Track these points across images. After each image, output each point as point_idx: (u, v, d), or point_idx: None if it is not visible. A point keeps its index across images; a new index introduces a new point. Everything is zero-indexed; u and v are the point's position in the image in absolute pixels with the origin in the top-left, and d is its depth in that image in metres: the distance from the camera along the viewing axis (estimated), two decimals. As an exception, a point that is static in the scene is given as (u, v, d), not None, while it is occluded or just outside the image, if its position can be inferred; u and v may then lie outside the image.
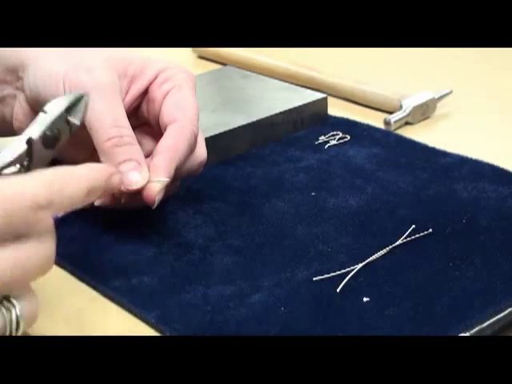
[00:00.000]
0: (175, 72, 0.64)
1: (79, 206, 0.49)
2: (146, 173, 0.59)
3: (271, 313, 0.54)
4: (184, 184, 0.70)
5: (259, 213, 0.66)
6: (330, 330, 0.52)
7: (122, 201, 0.60)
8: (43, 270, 0.46)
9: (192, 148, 0.62)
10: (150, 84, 0.63)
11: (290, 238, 0.62)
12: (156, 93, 0.63)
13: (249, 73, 0.88)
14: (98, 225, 0.65)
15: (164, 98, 0.63)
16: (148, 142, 0.64)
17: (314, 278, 0.57)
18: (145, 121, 0.65)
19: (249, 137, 0.76)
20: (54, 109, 0.54)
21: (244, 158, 0.75)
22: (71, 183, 0.48)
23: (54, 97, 0.57)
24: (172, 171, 0.59)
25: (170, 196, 0.64)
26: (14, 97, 0.65)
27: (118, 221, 0.65)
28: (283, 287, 0.56)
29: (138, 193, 0.59)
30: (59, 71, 0.60)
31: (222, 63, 0.98)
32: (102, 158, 0.60)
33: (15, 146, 0.51)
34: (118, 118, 0.60)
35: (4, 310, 0.46)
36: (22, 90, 0.64)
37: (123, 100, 0.62)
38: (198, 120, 0.62)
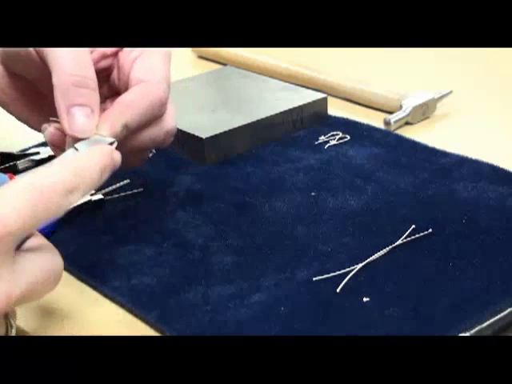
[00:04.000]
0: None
1: (96, 187, 0.52)
2: (94, 124, 0.56)
3: (271, 313, 0.54)
4: (184, 184, 0.70)
5: (259, 213, 0.66)
6: (330, 330, 0.52)
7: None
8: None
9: (155, 112, 0.59)
10: (119, 50, 0.62)
11: (289, 238, 0.62)
12: (125, 59, 0.61)
13: (249, 73, 0.88)
14: (98, 225, 0.65)
15: (133, 63, 0.61)
16: None
17: (314, 278, 0.57)
18: (116, 90, 0.62)
19: (249, 137, 0.76)
20: None
21: (244, 157, 0.75)
22: (88, 167, 0.51)
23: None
24: (118, 126, 0.56)
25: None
26: None
27: (118, 221, 0.65)
28: (283, 287, 0.56)
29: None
30: None
31: (222, 63, 0.98)
32: (57, 96, 0.56)
33: None
34: (84, 59, 0.57)
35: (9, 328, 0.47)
36: None
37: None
38: (167, 87, 0.60)
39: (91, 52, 0.60)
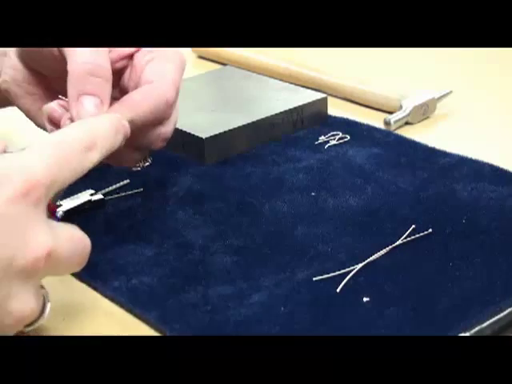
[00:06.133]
0: (165, 49, 0.63)
1: (112, 148, 0.53)
2: (102, 114, 0.57)
3: (271, 313, 0.54)
4: (184, 184, 0.70)
5: (259, 213, 0.66)
6: (330, 329, 0.52)
7: None
8: None
9: (160, 113, 0.59)
10: (136, 52, 0.62)
11: (289, 238, 0.62)
12: (141, 59, 0.62)
13: (249, 73, 0.88)
14: (98, 225, 0.65)
15: (147, 64, 0.61)
16: None
17: (314, 278, 0.57)
18: (126, 91, 0.63)
19: (249, 137, 0.76)
20: None
21: (244, 157, 0.75)
22: (101, 127, 0.52)
23: None
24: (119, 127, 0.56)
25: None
26: (4, 54, 0.65)
27: (118, 221, 0.65)
28: (283, 287, 0.56)
29: None
30: None
31: (222, 63, 0.98)
32: (69, 83, 0.57)
33: None
34: (101, 51, 0.58)
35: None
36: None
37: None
38: (175, 91, 0.60)
39: (109, 51, 0.61)
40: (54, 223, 0.48)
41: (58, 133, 0.51)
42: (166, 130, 0.61)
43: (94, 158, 0.50)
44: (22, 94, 0.66)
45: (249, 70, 0.90)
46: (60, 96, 0.62)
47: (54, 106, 0.59)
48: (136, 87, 0.61)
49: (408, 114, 0.81)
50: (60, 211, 0.65)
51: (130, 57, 0.63)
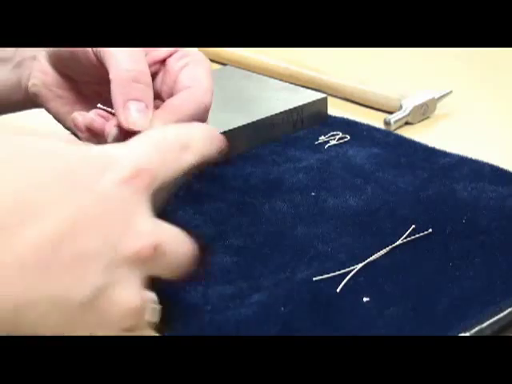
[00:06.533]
0: (192, 52, 0.64)
1: (208, 154, 0.52)
2: (149, 118, 0.58)
3: (271, 313, 0.54)
4: (184, 184, 0.70)
5: (259, 213, 0.66)
6: (330, 329, 0.52)
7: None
8: None
9: (199, 117, 0.61)
10: (169, 57, 0.64)
11: (289, 238, 0.62)
12: (174, 64, 0.63)
13: (249, 73, 0.88)
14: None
15: (181, 69, 0.63)
16: None
17: (314, 278, 0.57)
18: (157, 95, 0.64)
19: (249, 137, 0.76)
20: None
21: (244, 157, 0.75)
22: (197, 132, 0.52)
23: None
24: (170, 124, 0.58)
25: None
26: (34, 58, 0.66)
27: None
28: (283, 287, 0.56)
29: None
30: None
31: (222, 63, 0.98)
32: (114, 91, 0.58)
33: None
34: (140, 57, 0.59)
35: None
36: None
37: None
38: (211, 96, 0.62)
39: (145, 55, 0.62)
40: (158, 220, 0.47)
41: (155, 130, 0.51)
42: None
43: (189, 159, 0.50)
44: (52, 98, 0.67)
45: (249, 70, 0.90)
46: (98, 105, 0.63)
47: (92, 117, 0.61)
48: (170, 91, 0.63)
49: (408, 114, 0.81)
50: None
51: (163, 61, 0.64)
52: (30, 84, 0.67)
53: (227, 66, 0.92)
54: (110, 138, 0.59)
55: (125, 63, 0.58)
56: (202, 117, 0.61)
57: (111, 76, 0.58)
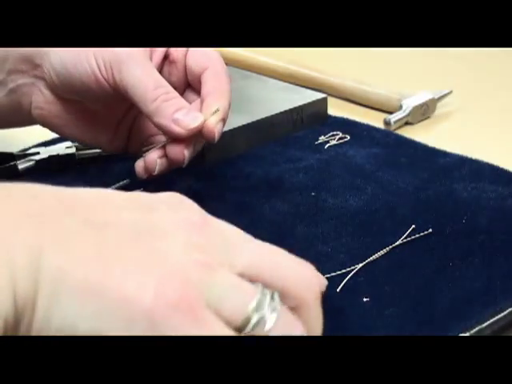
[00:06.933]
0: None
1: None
2: (200, 114, 0.60)
3: (271, 313, 0.54)
4: (184, 184, 0.70)
5: (259, 213, 0.66)
6: (330, 329, 0.52)
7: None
8: None
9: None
10: (166, 49, 0.65)
11: (289, 238, 0.62)
12: (176, 53, 0.65)
13: (249, 73, 0.88)
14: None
15: (185, 55, 0.64)
16: None
17: (314, 278, 0.57)
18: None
19: (249, 137, 0.76)
20: None
21: (244, 157, 0.74)
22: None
23: (82, 71, 0.61)
24: (226, 105, 0.61)
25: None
26: (32, 85, 0.65)
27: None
28: (283, 287, 0.56)
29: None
30: (88, 50, 0.61)
31: (222, 63, 0.98)
32: (154, 119, 0.60)
33: None
34: (158, 79, 0.61)
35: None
36: (42, 77, 0.64)
37: None
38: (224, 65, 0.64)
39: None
40: None
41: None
42: None
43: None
44: (65, 124, 0.66)
45: (249, 70, 0.90)
46: (143, 149, 0.64)
47: (161, 162, 0.62)
48: (182, 81, 0.65)
49: (408, 114, 0.81)
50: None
51: (164, 58, 0.65)
52: (34, 114, 0.66)
53: (227, 66, 0.92)
54: (157, 170, 0.61)
55: (151, 92, 0.60)
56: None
57: (144, 110, 0.60)
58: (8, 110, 0.67)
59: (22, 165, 0.74)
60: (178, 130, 0.59)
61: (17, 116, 0.68)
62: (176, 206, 0.47)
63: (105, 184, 0.70)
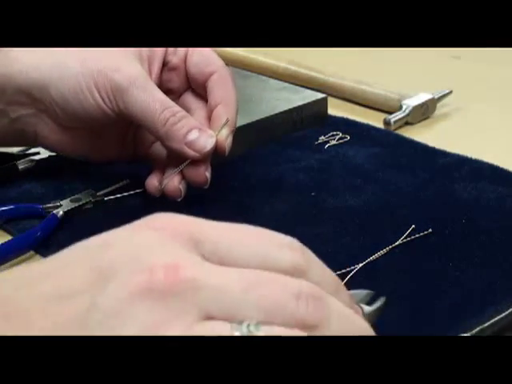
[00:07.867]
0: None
1: None
2: (212, 133, 0.61)
3: (271, 313, 0.54)
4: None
5: (259, 213, 0.66)
6: (330, 330, 0.52)
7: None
8: None
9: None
10: (165, 56, 0.65)
11: (289, 238, 0.62)
12: (174, 59, 0.65)
13: (249, 73, 0.88)
14: (98, 224, 0.65)
15: (184, 61, 0.65)
16: None
17: (314, 278, 0.57)
18: (169, 94, 0.65)
19: (249, 137, 0.76)
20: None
21: (244, 157, 0.74)
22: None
23: (86, 105, 0.61)
24: (234, 115, 0.62)
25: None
26: (34, 116, 0.65)
27: (118, 221, 0.65)
28: (283, 287, 0.56)
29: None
30: (87, 80, 0.61)
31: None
32: (166, 143, 0.61)
33: None
34: (163, 100, 0.61)
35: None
36: (44, 110, 0.64)
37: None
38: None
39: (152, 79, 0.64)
40: None
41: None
42: None
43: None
44: (70, 148, 0.67)
45: (249, 70, 0.90)
46: (164, 178, 0.64)
47: (179, 188, 0.63)
48: (184, 86, 0.66)
49: (408, 114, 0.81)
50: (60, 211, 0.65)
51: (163, 66, 0.65)
52: (40, 142, 0.67)
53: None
54: (183, 195, 0.63)
55: (158, 119, 0.60)
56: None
57: (154, 134, 0.61)
58: (13, 137, 0.67)
59: (22, 165, 0.73)
60: (192, 153, 0.60)
61: (22, 142, 0.69)
62: (134, 269, 0.39)
63: (105, 184, 0.70)
